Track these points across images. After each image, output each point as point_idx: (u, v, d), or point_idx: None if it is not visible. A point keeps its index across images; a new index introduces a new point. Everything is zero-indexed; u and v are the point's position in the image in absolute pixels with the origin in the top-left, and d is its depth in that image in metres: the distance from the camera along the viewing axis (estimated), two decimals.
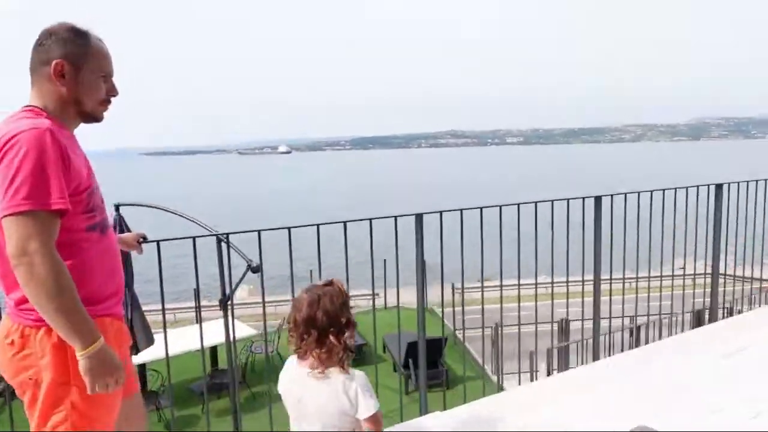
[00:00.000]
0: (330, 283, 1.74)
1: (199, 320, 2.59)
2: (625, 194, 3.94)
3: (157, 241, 2.63)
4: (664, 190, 4.08)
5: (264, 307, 3.36)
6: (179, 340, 8.47)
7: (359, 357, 9.35)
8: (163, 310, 3.13)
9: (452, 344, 9.97)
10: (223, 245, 4.50)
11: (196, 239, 2.93)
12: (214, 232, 4.70)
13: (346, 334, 1.68)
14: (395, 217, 3.13)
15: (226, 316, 4.34)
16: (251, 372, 8.70)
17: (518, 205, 3.51)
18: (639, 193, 3.97)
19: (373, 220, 3.10)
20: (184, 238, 2.84)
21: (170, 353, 8.56)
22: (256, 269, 5.02)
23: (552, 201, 3.72)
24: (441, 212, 3.24)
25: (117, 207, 6.09)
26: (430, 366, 7.18)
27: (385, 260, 6.15)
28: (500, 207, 3.45)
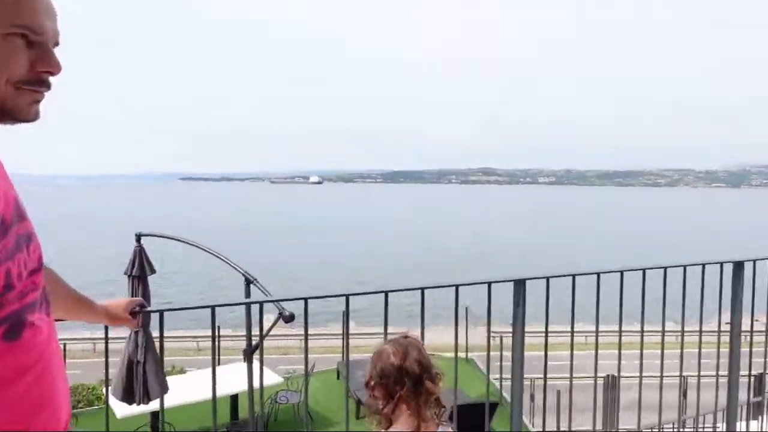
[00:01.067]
0: (407, 336, 1.67)
1: (213, 375, 1.84)
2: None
3: (160, 311, 1.81)
4: None
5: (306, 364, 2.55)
6: (200, 383, 7.73)
7: None
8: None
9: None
10: (252, 287, 3.74)
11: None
12: (242, 272, 3.95)
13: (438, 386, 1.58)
14: (488, 283, 2.30)
15: (250, 367, 3.59)
16: (274, 422, 7.79)
17: (643, 270, 2.66)
18: None
19: (459, 287, 2.26)
20: (202, 307, 2.02)
21: (189, 400, 7.73)
22: (290, 318, 4.26)
23: (684, 266, 2.84)
24: (548, 278, 2.41)
25: (138, 237, 5.39)
26: None
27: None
28: (621, 272, 2.61)
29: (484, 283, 2.29)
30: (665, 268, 2.75)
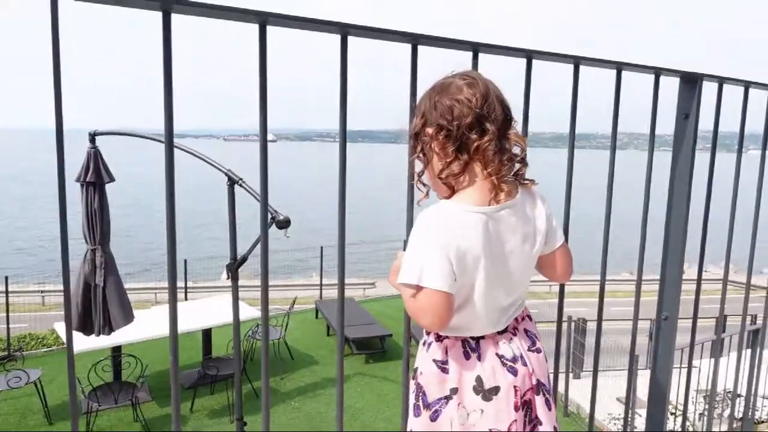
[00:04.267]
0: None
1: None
2: None
3: None
4: None
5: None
6: (164, 320, 7.28)
7: (384, 350, 8.33)
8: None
9: None
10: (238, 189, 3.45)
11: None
12: (225, 170, 3.61)
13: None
14: None
15: (235, 284, 3.29)
16: (250, 362, 7.58)
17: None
18: None
19: None
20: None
21: (153, 336, 7.26)
22: (284, 223, 3.95)
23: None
24: None
25: (92, 137, 4.81)
26: None
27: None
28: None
29: None
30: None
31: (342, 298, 1.29)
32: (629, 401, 1.96)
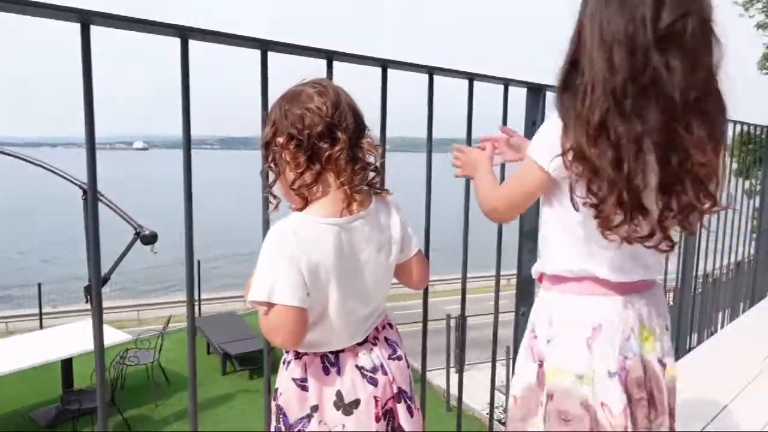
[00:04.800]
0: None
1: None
2: None
3: None
4: None
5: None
6: (16, 353, 6.45)
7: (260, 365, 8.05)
8: None
9: None
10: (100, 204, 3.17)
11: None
12: (79, 183, 3.31)
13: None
14: None
15: (98, 311, 3.01)
16: (121, 391, 6.95)
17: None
18: None
19: None
20: None
21: (10, 369, 6.42)
22: (150, 238, 3.69)
23: None
24: None
25: None
26: None
27: None
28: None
29: None
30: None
31: (192, 315, 1.21)
32: (493, 391, 2.07)
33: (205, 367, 8.22)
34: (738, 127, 3.50)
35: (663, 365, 1.06)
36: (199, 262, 12.51)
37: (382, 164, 1.38)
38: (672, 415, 1.09)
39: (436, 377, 8.58)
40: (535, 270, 1.17)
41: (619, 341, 1.01)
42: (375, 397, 1.09)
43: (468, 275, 1.80)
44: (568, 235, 1.05)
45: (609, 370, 0.99)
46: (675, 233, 0.97)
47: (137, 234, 3.06)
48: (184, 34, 1.09)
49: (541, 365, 1.08)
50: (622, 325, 1.03)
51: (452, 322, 10.00)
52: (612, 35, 0.90)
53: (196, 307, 11.71)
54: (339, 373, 1.09)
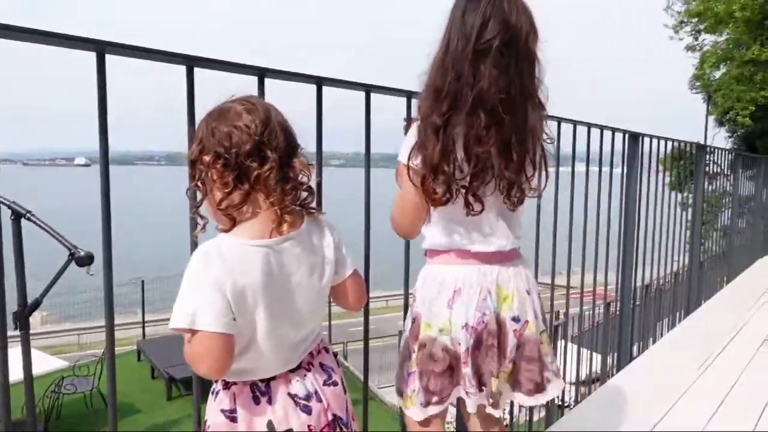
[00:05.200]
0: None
1: None
2: None
3: None
4: None
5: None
6: None
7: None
8: None
9: None
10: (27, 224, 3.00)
11: None
12: (8, 202, 3.13)
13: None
14: None
15: (26, 335, 2.83)
16: (56, 421, 6.55)
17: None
18: None
19: None
20: None
21: None
22: (85, 260, 3.50)
23: None
24: None
25: None
26: None
27: None
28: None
29: None
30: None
31: (111, 340, 1.14)
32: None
33: (150, 392, 7.88)
34: (670, 144, 3.67)
35: (525, 322, 1.30)
36: (143, 282, 12.05)
37: (319, 183, 1.35)
38: (542, 362, 1.32)
39: (389, 394, 8.51)
40: (422, 247, 1.37)
41: (476, 301, 1.25)
42: (309, 426, 1.05)
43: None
44: (436, 215, 1.28)
45: (461, 324, 1.25)
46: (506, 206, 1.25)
47: (71, 255, 2.86)
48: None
49: (414, 321, 1.33)
50: (478, 288, 1.26)
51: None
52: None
53: (140, 330, 11.20)
54: (270, 402, 1.04)
